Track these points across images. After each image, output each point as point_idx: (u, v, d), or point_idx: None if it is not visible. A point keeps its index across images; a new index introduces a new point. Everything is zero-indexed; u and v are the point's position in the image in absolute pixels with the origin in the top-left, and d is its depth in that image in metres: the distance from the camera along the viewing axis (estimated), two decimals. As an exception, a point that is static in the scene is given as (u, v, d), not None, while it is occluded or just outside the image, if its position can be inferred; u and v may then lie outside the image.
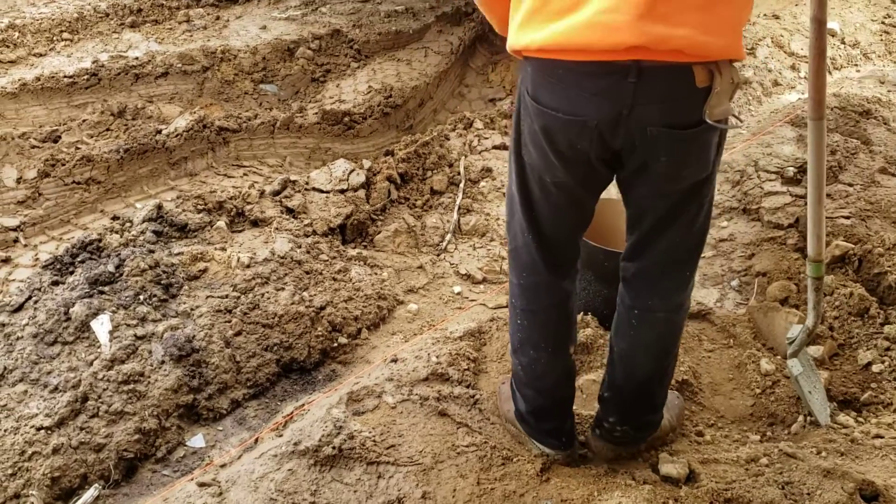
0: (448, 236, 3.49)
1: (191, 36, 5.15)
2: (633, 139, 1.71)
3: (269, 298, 2.92)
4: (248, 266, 3.00)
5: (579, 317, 2.90)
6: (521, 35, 1.69)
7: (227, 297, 2.91)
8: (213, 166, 3.99)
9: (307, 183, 3.51)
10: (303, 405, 2.66)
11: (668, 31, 1.55)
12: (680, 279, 2.01)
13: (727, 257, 3.47)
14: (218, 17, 5.44)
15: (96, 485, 2.42)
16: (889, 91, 4.82)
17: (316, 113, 4.39)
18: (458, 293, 3.32)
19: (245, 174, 3.98)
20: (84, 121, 4.06)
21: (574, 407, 2.44)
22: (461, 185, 3.69)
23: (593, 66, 1.62)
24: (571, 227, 2.01)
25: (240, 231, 3.27)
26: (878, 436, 2.49)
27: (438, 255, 3.45)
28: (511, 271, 2.13)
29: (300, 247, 3.15)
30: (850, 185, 3.64)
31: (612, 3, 1.55)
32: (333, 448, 2.34)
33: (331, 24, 5.27)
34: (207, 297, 2.92)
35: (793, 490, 2.24)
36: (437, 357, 2.78)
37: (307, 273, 3.07)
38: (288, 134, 4.28)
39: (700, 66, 1.62)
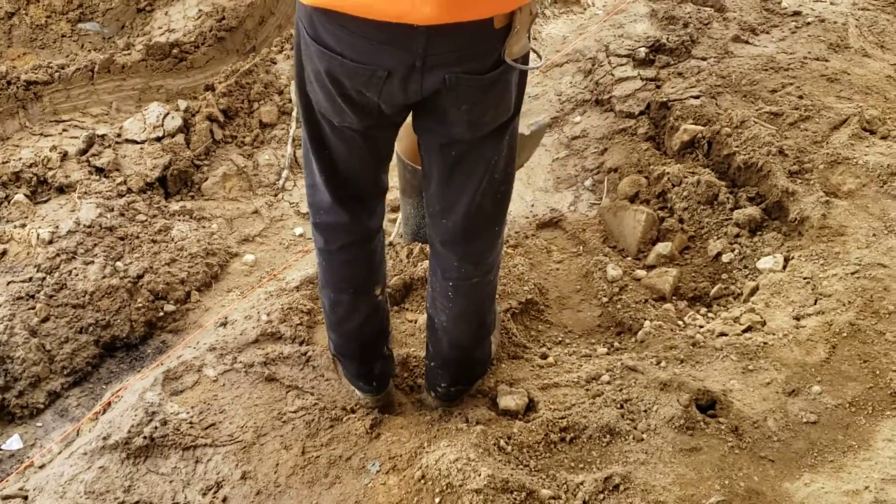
0: (284, 172, 3.24)
1: (-4, -24, 4.61)
2: (429, 88, 1.53)
3: (77, 275, 2.66)
4: (50, 242, 2.73)
5: (415, 247, 2.71)
6: None
7: (29, 280, 2.64)
8: (26, 126, 3.61)
9: (119, 135, 3.19)
10: (119, 391, 2.46)
11: (460, 11, 1.40)
12: (490, 236, 1.86)
13: (580, 156, 3.30)
14: (27, -49, 4.88)
15: None
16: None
17: (141, 49, 3.99)
18: (301, 235, 3.10)
19: (65, 129, 3.61)
20: None
21: (400, 349, 2.30)
22: (294, 113, 3.40)
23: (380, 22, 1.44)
24: (371, 166, 1.81)
25: (45, 202, 2.97)
26: (721, 333, 2.39)
27: (276, 196, 3.20)
28: (309, 208, 1.94)
29: (112, 210, 2.87)
30: (703, 59, 3.46)
31: None
32: (145, 438, 2.15)
33: (153, -58, 4.76)
34: (9, 283, 2.65)
35: (631, 408, 2.15)
36: (267, 315, 2.58)
37: (121, 240, 2.81)
38: (111, 77, 3.89)
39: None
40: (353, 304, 2.02)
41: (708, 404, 2.13)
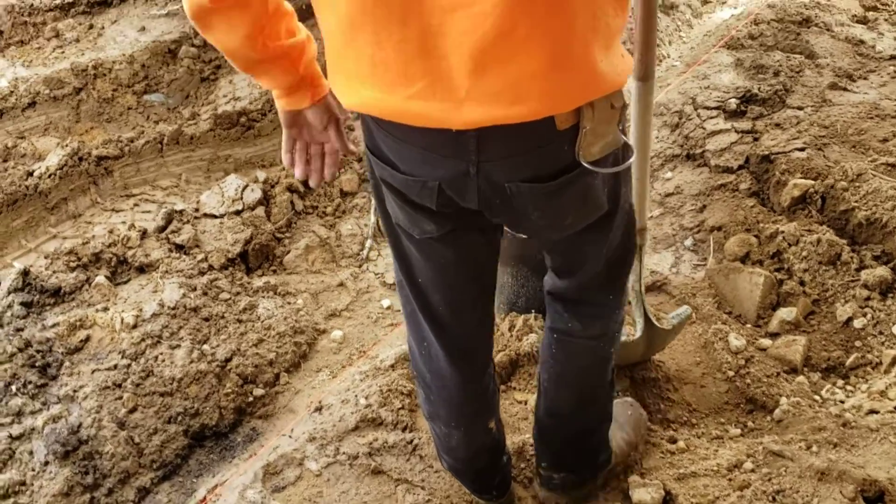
0: (368, 242, 3.10)
1: (62, 52, 4.61)
2: (489, 197, 1.33)
3: (163, 361, 2.52)
4: (134, 326, 2.60)
5: (518, 320, 2.54)
6: (344, 94, 1.31)
7: (115, 367, 2.51)
8: (98, 202, 3.54)
9: (197, 210, 3.08)
10: (215, 488, 2.29)
11: (504, 112, 1.18)
12: (602, 304, 1.65)
13: (676, 213, 3.12)
14: (91, 26, 4.89)
15: None
16: (826, -11, 4.43)
17: (208, 118, 3.93)
18: (388, 307, 2.94)
19: (136, 203, 3.53)
20: (-55, 174, 3.58)
21: (512, 435, 2.11)
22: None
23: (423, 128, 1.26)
24: (468, 290, 1.58)
25: (125, 282, 2.85)
26: (872, 411, 2.17)
27: (360, 267, 3.06)
28: (407, 330, 1.73)
29: (195, 289, 2.74)
30: (800, 108, 3.28)
31: (423, 86, 1.18)
32: (251, 543, 1.98)
33: (215, 12, 4.74)
34: (93, 371, 2.51)
35: (785, 500, 1.93)
36: (365, 398, 2.41)
37: (206, 320, 2.67)
38: (179, 148, 3.81)
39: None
40: (465, 438, 1.81)
41: (876, 496, 1.90)
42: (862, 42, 3.60)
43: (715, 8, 4.44)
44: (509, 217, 1.41)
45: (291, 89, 1.42)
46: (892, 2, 4.05)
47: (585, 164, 1.28)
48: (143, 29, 4.73)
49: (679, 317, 2.31)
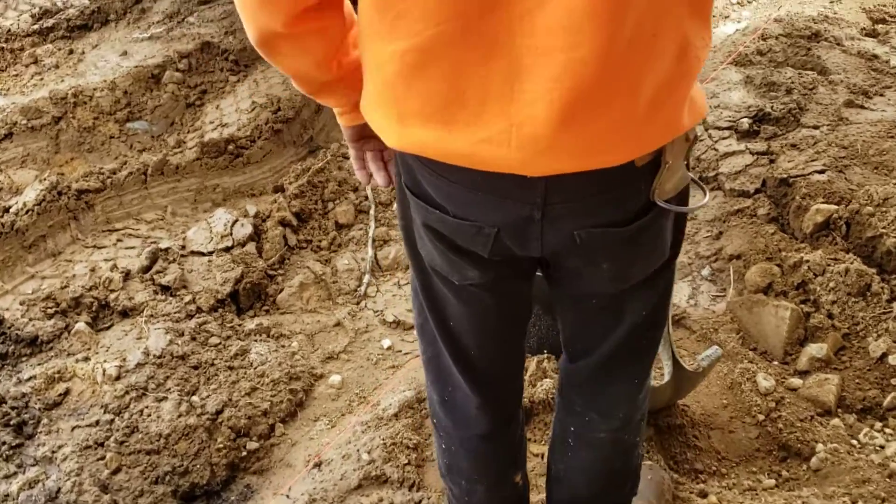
0: (366, 278, 2.93)
1: (41, 79, 4.43)
2: (554, 246, 1.18)
3: (149, 415, 2.34)
4: (117, 378, 2.41)
5: (531, 363, 2.36)
6: (391, 133, 1.15)
7: (97, 423, 2.32)
8: (78, 238, 3.35)
9: (183, 247, 2.90)
10: (207, 558, 2.11)
11: (587, 161, 1.07)
12: (627, 387, 1.47)
13: (691, 241, 2.96)
14: (71, 51, 4.71)
15: None
16: (832, 2, 4.31)
17: (194, 147, 3.75)
18: (389, 347, 2.76)
19: (119, 239, 3.34)
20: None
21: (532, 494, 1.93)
22: (371, 211, 3.11)
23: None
24: (506, 333, 1.44)
25: (107, 328, 2.66)
26: (918, 459, 2.01)
27: (358, 304, 2.88)
28: (427, 377, 1.57)
29: (182, 335, 2.56)
30: (816, 127, 3.14)
31: (500, 130, 1.04)
32: None
33: (200, 35, 4.56)
34: (73, 428, 2.33)
35: (833, 565, 1.76)
36: (368, 452, 2.23)
37: (195, 368, 2.49)
38: (164, 179, 3.63)
39: None
40: (487, 493, 1.64)
41: (934, 560, 1.74)
42: (875, 56, 3.47)
43: (718, 23, 4.30)
44: (572, 269, 1.27)
45: (358, 104, 1.25)
46: (901, 13, 3.93)
47: (661, 204, 1.14)
48: (126, 53, 4.55)
49: (709, 358, 2.15)
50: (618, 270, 1.26)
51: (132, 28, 4.92)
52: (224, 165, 3.77)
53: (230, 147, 3.79)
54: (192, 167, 3.71)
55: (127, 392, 2.39)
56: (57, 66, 4.57)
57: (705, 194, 1.27)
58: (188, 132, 4.05)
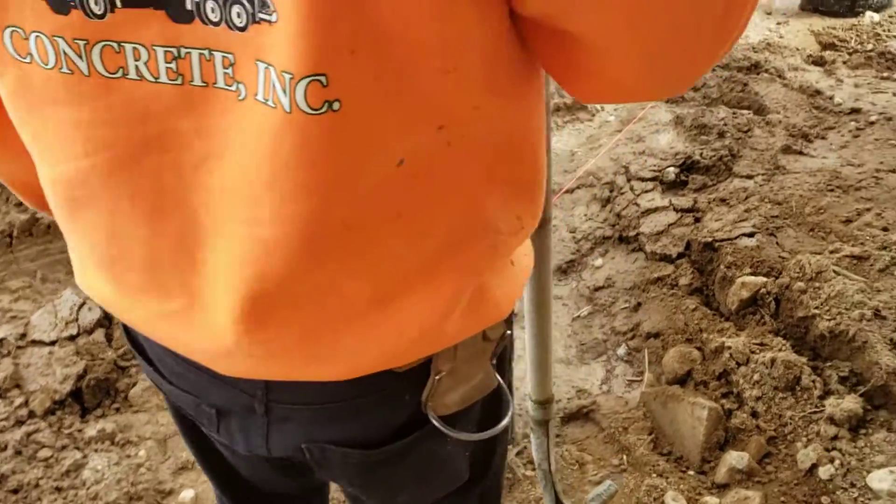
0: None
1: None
2: (281, 450, 0.84)
3: (-54, 560, 1.97)
4: (-87, 512, 2.04)
5: None
6: (78, 273, 0.83)
7: None
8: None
9: (24, 335, 2.52)
10: None
11: (296, 371, 0.75)
12: None
13: (607, 313, 2.61)
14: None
15: None
16: (779, 24, 3.97)
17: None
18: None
19: (-29, 315, 2.96)
20: None
21: None
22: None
23: None
24: None
25: (-82, 442, 2.28)
26: None
27: (225, 396, 2.50)
28: None
29: (4, 449, 2.18)
30: (749, 176, 2.79)
31: (181, 306, 0.72)
32: None
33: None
34: None
35: None
36: None
37: (13, 493, 2.11)
38: (33, 241, 3.26)
39: None
40: None
41: None
42: (819, 92, 3.12)
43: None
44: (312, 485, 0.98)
45: None
46: (851, 39, 3.59)
47: (435, 422, 0.79)
48: None
49: (600, 497, 1.80)
50: (376, 498, 0.91)
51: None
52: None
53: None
54: (69, 224, 3.33)
55: (-77, 529, 2.01)
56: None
57: (507, 413, 0.87)
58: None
